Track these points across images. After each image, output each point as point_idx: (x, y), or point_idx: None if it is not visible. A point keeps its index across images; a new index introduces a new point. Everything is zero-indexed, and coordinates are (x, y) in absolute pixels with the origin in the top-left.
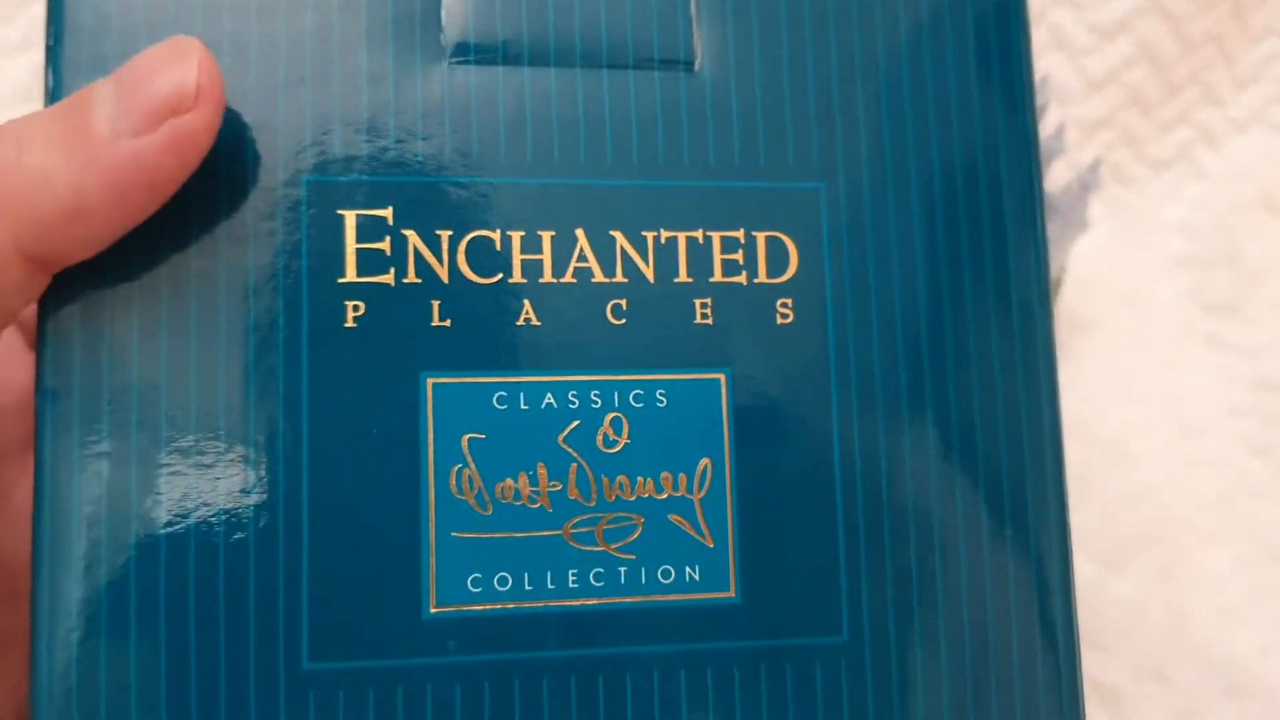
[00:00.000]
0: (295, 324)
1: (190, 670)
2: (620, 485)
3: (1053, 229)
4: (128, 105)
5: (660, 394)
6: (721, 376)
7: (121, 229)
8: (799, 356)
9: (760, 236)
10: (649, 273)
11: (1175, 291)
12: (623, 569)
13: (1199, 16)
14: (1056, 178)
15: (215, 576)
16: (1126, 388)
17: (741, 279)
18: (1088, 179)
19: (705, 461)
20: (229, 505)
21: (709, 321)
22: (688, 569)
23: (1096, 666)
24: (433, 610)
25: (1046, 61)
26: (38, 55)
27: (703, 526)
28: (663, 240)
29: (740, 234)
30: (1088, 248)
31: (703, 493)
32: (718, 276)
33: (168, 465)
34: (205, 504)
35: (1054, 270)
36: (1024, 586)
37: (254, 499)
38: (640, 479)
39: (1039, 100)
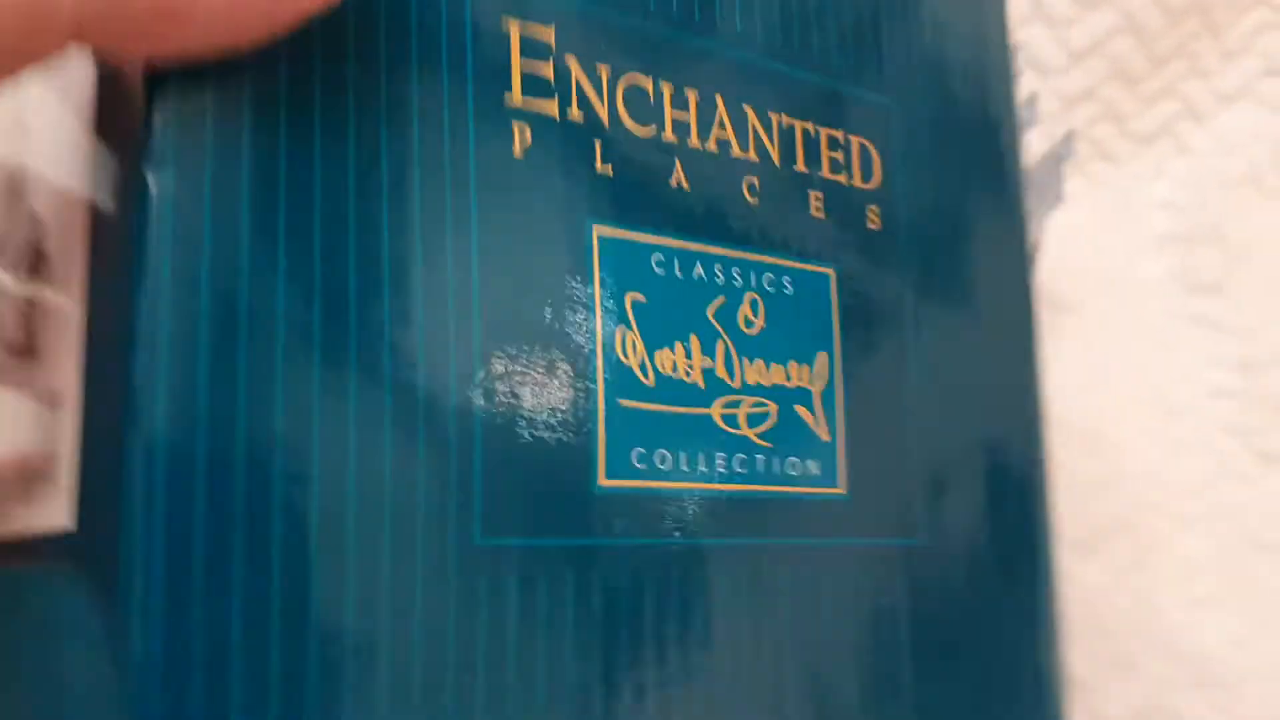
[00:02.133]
0: (463, 152)
1: (348, 550)
2: (759, 369)
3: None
4: None
5: (787, 281)
6: (831, 272)
7: (219, 46)
8: (885, 264)
9: (855, 140)
10: (775, 155)
11: (1159, 271)
12: (760, 457)
13: None
14: (1030, 149)
15: (381, 448)
16: (1106, 371)
17: (843, 179)
18: (1061, 151)
19: (823, 356)
20: (395, 367)
21: (821, 216)
22: (809, 462)
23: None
24: (602, 483)
25: (1025, 32)
26: None
27: (821, 420)
28: (784, 125)
29: (840, 135)
30: (1068, 226)
31: (821, 385)
32: (825, 172)
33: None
34: (367, 367)
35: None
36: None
37: (425, 354)
38: (775, 365)
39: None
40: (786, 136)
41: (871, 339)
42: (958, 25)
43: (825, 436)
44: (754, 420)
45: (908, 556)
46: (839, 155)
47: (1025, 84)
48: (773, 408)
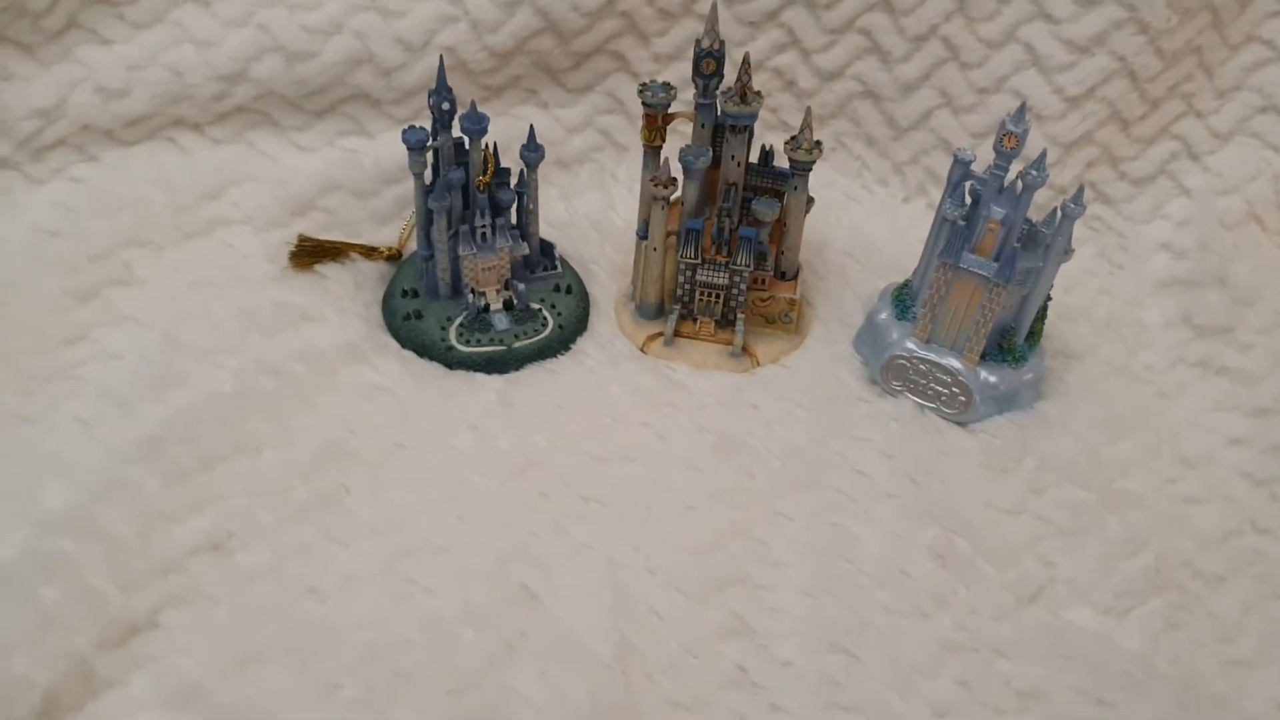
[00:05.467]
0: None
1: None
2: None
3: (1036, 259)
4: None
5: None
6: None
7: None
8: None
9: None
10: None
11: (1163, 315)
12: None
13: (1179, 28)
14: (1039, 207)
15: None
16: (1120, 421)
17: None
18: (1071, 209)
19: None
20: None
21: None
22: None
23: None
24: None
25: (1021, 79)
26: None
27: None
28: None
29: None
30: (1070, 271)
31: None
32: None
33: None
34: None
35: (1039, 299)
36: None
37: None
38: None
39: (1018, 127)
40: None
41: None
42: None
43: None
44: None
45: None
46: None
47: (1031, 140)
48: None
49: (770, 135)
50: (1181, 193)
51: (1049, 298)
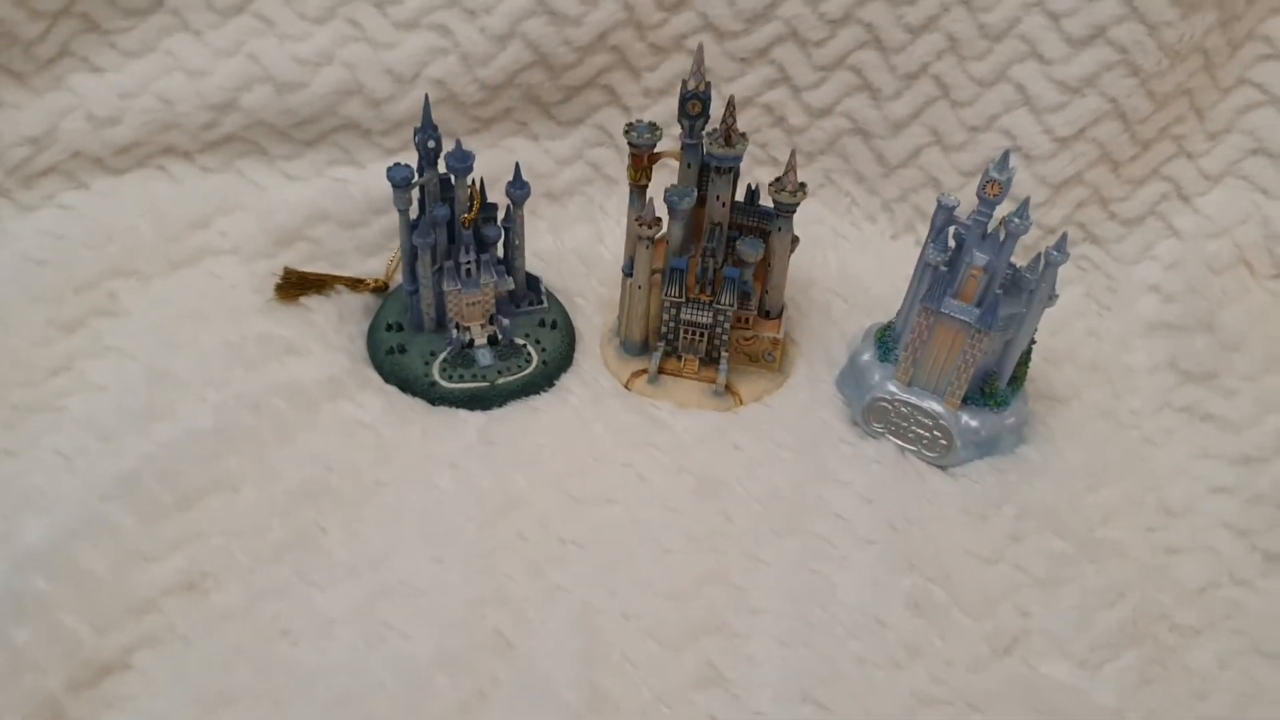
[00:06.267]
0: None
1: None
2: None
3: (1019, 305)
4: None
5: None
6: None
7: None
8: None
9: None
10: None
11: (1150, 359)
12: None
13: (1170, 71)
14: (1027, 247)
15: None
16: (1103, 468)
17: None
18: (1054, 256)
19: None
20: None
21: None
22: None
23: None
24: None
25: (1011, 119)
26: None
27: None
28: None
29: None
30: (1056, 312)
31: None
32: None
33: None
34: None
35: (1023, 345)
36: None
37: None
38: None
39: (1001, 175)
40: None
41: None
42: None
43: None
44: None
45: None
46: None
47: (1017, 185)
48: None
49: (759, 171)
50: (1171, 234)
51: (1033, 341)
